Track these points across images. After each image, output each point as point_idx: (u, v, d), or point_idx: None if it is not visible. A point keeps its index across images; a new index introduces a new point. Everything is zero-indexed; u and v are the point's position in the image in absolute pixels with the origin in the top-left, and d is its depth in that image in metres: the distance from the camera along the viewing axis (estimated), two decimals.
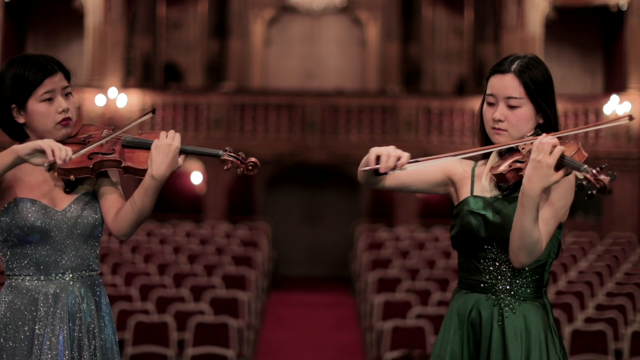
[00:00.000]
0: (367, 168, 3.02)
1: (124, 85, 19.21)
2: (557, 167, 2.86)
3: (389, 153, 2.99)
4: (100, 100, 18.43)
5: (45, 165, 3.01)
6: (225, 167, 3.21)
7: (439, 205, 19.97)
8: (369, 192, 19.51)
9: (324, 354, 11.57)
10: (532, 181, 2.87)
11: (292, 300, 15.48)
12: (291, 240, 20.20)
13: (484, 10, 21.23)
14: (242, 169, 3.20)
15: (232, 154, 3.22)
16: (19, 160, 3.06)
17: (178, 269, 12.52)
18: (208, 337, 8.77)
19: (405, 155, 2.99)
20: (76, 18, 19.85)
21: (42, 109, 3.21)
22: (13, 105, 3.22)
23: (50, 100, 3.21)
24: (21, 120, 3.24)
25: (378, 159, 3.00)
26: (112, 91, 18.67)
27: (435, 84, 21.46)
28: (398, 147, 3.02)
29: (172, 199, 19.41)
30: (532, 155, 2.87)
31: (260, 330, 12.28)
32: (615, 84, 19.73)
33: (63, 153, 3.02)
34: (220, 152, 3.23)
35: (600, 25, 21.09)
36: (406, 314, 9.83)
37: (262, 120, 19.33)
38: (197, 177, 19.69)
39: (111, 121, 17.82)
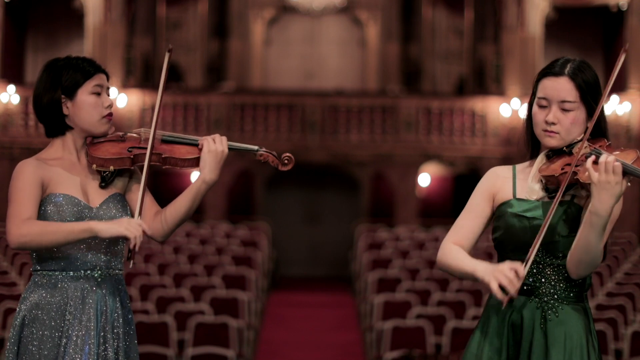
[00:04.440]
0: (505, 303, 2.94)
1: (124, 85, 19.22)
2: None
3: (508, 279, 2.89)
4: None
5: (128, 256, 3.17)
6: (262, 160, 3.36)
7: (439, 205, 19.97)
8: (369, 192, 19.51)
9: (324, 354, 11.56)
10: (604, 201, 2.88)
11: (292, 300, 15.47)
12: (291, 240, 20.20)
13: (484, 10, 21.22)
14: (277, 162, 3.34)
15: (266, 150, 3.38)
16: (93, 236, 3.18)
17: (178, 269, 12.52)
18: (208, 337, 8.76)
19: (519, 268, 2.91)
20: (76, 18, 19.85)
21: (91, 100, 3.33)
22: (63, 96, 3.29)
23: (98, 94, 3.34)
24: (66, 111, 3.31)
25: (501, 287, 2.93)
26: (112, 91, 18.64)
27: (435, 84, 21.45)
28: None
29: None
30: (599, 178, 2.88)
31: (260, 330, 12.27)
32: (615, 84, 19.67)
33: (139, 237, 3.17)
34: (257, 147, 3.37)
35: (600, 25, 21.09)
36: (406, 314, 9.82)
37: (262, 120, 19.33)
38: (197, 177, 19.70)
39: None
